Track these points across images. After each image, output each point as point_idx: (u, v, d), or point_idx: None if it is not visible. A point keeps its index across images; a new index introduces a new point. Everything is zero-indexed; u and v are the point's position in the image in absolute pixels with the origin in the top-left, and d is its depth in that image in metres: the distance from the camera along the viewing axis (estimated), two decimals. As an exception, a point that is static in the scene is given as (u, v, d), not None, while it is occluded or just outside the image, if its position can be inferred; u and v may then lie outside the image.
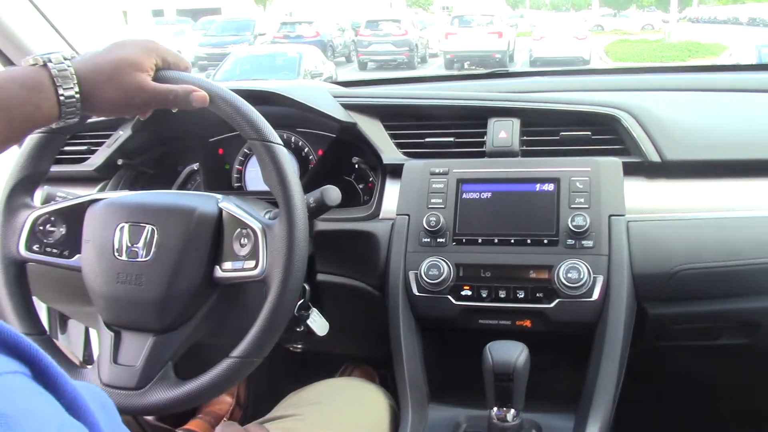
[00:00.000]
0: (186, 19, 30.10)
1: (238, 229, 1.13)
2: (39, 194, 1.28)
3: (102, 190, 1.61)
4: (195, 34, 22.31)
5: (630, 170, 1.39)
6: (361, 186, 1.62)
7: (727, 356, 1.53)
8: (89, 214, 1.20)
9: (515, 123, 1.49)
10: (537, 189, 1.37)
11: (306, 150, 1.62)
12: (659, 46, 23.33)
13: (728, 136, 1.46)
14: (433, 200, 1.40)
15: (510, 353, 1.17)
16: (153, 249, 1.12)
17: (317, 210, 1.23)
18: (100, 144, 1.64)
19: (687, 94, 1.69)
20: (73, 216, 1.21)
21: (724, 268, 1.30)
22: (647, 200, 1.38)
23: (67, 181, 1.57)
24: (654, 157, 1.39)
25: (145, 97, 1.01)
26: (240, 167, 1.68)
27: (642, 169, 1.40)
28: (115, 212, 1.17)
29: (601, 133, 1.46)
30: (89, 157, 1.64)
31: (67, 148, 1.64)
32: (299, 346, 1.51)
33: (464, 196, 1.40)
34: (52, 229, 1.22)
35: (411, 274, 1.36)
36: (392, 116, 1.57)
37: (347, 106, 1.55)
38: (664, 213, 1.36)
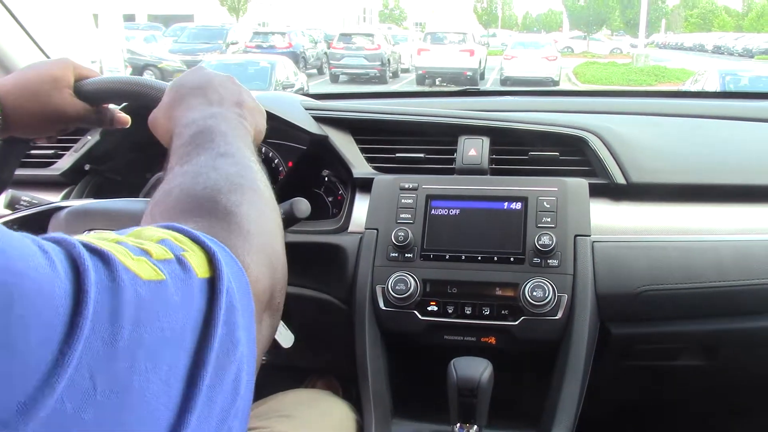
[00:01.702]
0: (157, 25, 29.88)
1: None
2: (3, 198, 1.25)
3: (68, 195, 1.59)
4: (166, 41, 22.15)
5: (596, 191, 1.42)
6: (330, 199, 1.62)
7: (687, 377, 1.56)
8: (53, 222, 1.18)
9: (485, 141, 1.51)
10: (505, 207, 1.39)
11: (276, 161, 1.62)
12: (627, 70, 23.74)
13: (692, 161, 1.49)
14: (402, 215, 1.41)
15: (474, 369, 1.18)
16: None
17: (286, 222, 1.22)
18: (67, 148, 1.62)
19: (654, 119, 1.72)
20: (36, 224, 1.19)
21: (685, 290, 1.33)
22: (612, 221, 1.40)
23: (33, 185, 1.54)
24: (620, 179, 1.41)
25: (68, 112, 0.99)
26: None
27: (608, 190, 1.43)
28: (79, 220, 1.15)
29: (568, 154, 1.48)
30: (56, 161, 1.62)
31: (33, 152, 1.62)
32: (264, 358, 1.50)
33: (433, 212, 1.41)
34: None
35: (378, 288, 1.36)
36: (364, 130, 1.58)
37: (319, 119, 1.56)
38: (628, 234, 1.38)
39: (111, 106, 1.05)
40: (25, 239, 0.40)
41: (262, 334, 0.54)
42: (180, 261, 0.47)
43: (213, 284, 0.48)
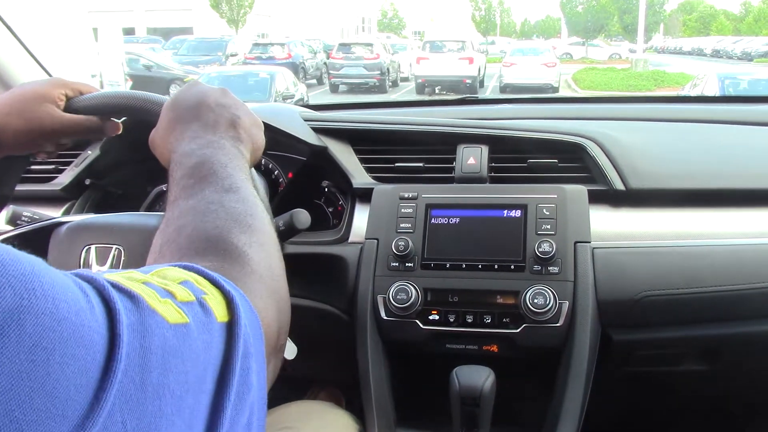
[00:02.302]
0: (157, 38, 29.96)
1: None
2: (4, 214, 1.26)
3: (69, 210, 1.59)
4: (165, 54, 22.21)
5: (595, 198, 1.42)
6: (330, 209, 1.62)
7: (690, 382, 1.56)
8: (54, 238, 1.18)
9: (484, 150, 1.51)
10: (504, 215, 1.39)
11: (276, 173, 1.62)
12: (626, 75, 23.79)
13: (691, 166, 1.49)
14: (402, 225, 1.41)
15: (476, 378, 1.18)
16: (120, 270, 1.11)
17: (287, 233, 1.23)
18: (68, 163, 1.62)
19: (652, 124, 1.73)
20: (38, 240, 1.20)
21: (686, 295, 1.33)
22: (612, 227, 1.40)
23: (34, 201, 1.54)
24: (619, 185, 1.42)
25: (56, 127, 1.00)
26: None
27: (607, 196, 1.43)
28: (80, 235, 1.16)
29: (567, 161, 1.49)
30: (56, 176, 1.63)
31: (33, 167, 1.62)
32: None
33: (433, 221, 1.41)
34: None
35: (379, 298, 1.37)
36: (362, 141, 1.59)
37: (318, 130, 1.56)
38: (628, 240, 1.38)
39: (99, 117, 1.04)
40: (67, 280, 0.40)
41: (267, 377, 0.55)
42: (201, 304, 0.48)
43: (231, 329, 0.49)
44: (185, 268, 0.53)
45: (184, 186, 0.70)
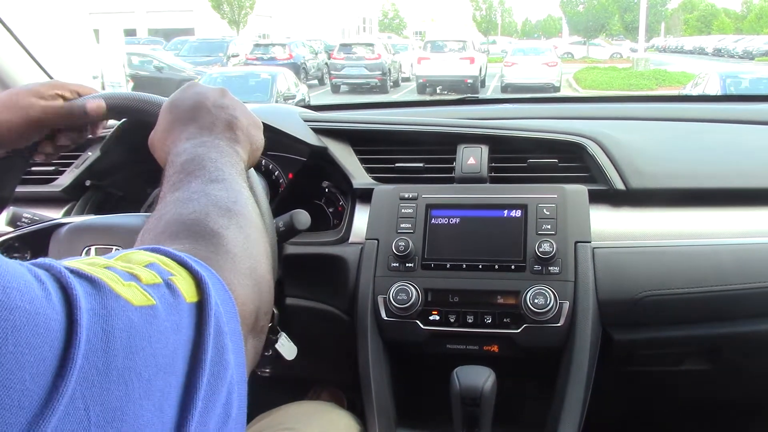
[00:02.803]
0: (158, 39, 30.00)
1: None
2: (4, 215, 1.26)
3: (69, 211, 1.59)
4: (167, 55, 22.23)
5: (596, 197, 1.42)
6: (331, 210, 1.62)
7: (691, 382, 1.55)
8: (54, 239, 1.18)
9: (484, 149, 1.51)
10: (505, 215, 1.39)
11: (276, 173, 1.62)
12: (627, 74, 23.78)
13: (691, 166, 1.49)
14: (402, 225, 1.41)
15: (477, 378, 1.18)
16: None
17: (286, 234, 1.23)
18: (68, 165, 1.63)
19: (653, 124, 1.73)
20: (38, 241, 1.20)
21: (687, 294, 1.33)
22: (613, 227, 1.40)
23: (34, 202, 1.55)
24: (619, 185, 1.42)
25: (41, 116, 1.00)
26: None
27: (607, 196, 1.43)
28: (80, 236, 1.16)
29: (567, 161, 1.48)
30: (57, 178, 1.63)
31: (34, 168, 1.62)
32: (267, 370, 1.50)
33: (433, 221, 1.41)
34: (16, 255, 1.20)
35: (380, 299, 1.37)
36: (363, 141, 1.59)
37: (318, 131, 1.56)
38: (629, 240, 1.38)
39: (81, 99, 1.04)
40: (21, 268, 0.40)
41: (247, 356, 0.55)
42: (169, 285, 0.48)
43: (201, 308, 0.49)
44: (152, 250, 0.53)
45: (173, 182, 0.71)
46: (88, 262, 0.46)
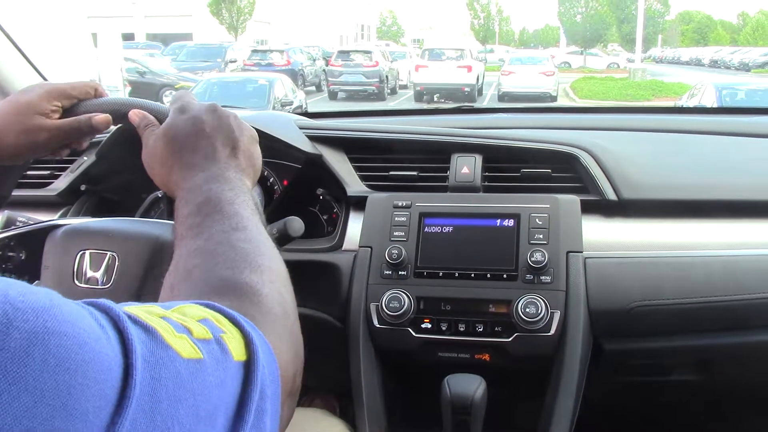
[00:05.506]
0: (156, 44, 29.98)
1: None
2: (0, 218, 1.26)
3: (64, 216, 1.59)
4: (165, 60, 22.22)
5: (588, 208, 1.43)
6: (325, 217, 1.62)
7: (681, 392, 1.56)
8: (49, 240, 1.18)
9: (477, 159, 1.52)
10: (497, 224, 1.40)
11: (271, 180, 1.63)
12: (624, 85, 23.82)
13: (684, 177, 1.50)
14: (395, 233, 1.42)
15: (468, 387, 1.18)
16: (113, 276, 1.11)
17: (280, 240, 1.23)
18: (63, 169, 1.63)
19: (646, 135, 1.74)
20: (33, 241, 1.20)
21: (677, 305, 1.34)
22: (604, 238, 1.41)
23: (29, 206, 1.55)
24: (611, 196, 1.43)
25: (48, 135, 1.00)
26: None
27: (600, 207, 1.44)
28: (76, 238, 1.16)
29: (560, 171, 1.49)
30: (52, 182, 1.63)
31: (29, 172, 1.63)
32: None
33: (426, 229, 1.42)
34: (11, 254, 1.20)
35: (372, 306, 1.37)
36: (357, 149, 1.59)
37: (313, 138, 1.57)
38: (620, 250, 1.39)
39: (85, 116, 1.04)
40: (82, 310, 0.42)
41: (281, 421, 0.55)
42: (218, 342, 0.49)
43: (248, 368, 0.50)
44: (205, 305, 0.54)
45: (190, 225, 0.71)
46: (145, 310, 0.48)
